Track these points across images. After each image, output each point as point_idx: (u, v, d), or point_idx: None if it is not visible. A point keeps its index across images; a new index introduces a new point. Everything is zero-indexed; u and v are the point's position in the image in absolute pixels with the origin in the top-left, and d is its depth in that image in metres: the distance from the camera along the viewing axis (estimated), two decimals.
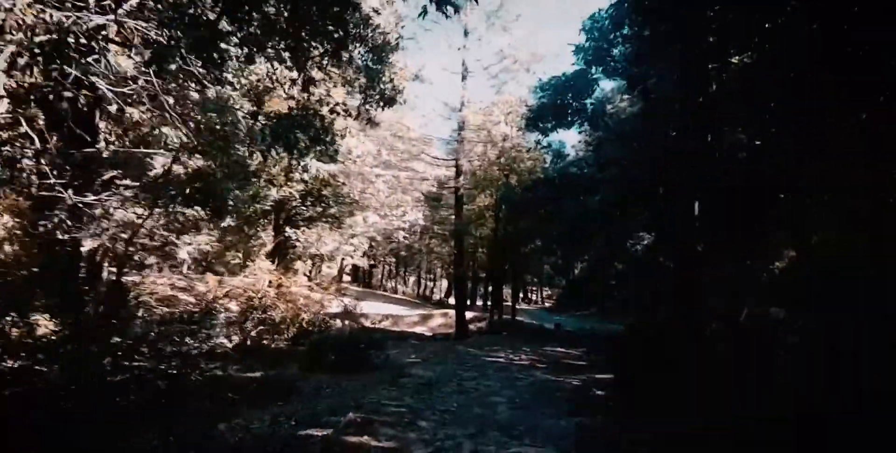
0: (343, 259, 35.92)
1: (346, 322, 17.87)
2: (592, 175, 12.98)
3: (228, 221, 13.00)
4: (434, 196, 25.54)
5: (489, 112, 20.26)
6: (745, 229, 10.36)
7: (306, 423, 5.79)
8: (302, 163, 10.54)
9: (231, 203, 11.10)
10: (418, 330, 27.58)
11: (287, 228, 18.23)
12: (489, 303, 48.96)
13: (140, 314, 9.21)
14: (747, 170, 10.38)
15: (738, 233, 10.15)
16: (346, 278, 52.92)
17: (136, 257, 12.43)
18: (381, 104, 10.68)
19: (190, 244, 13.98)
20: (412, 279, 65.61)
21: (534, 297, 61.59)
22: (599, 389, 9.03)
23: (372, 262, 40.66)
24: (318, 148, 10.43)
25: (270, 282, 14.04)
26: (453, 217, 21.87)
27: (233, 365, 9.13)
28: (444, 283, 63.59)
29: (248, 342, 13.29)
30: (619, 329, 26.54)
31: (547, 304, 56.52)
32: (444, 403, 7.18)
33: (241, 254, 16.49)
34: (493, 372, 10.13)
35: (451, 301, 47.66)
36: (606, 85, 14.25)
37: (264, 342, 13.35)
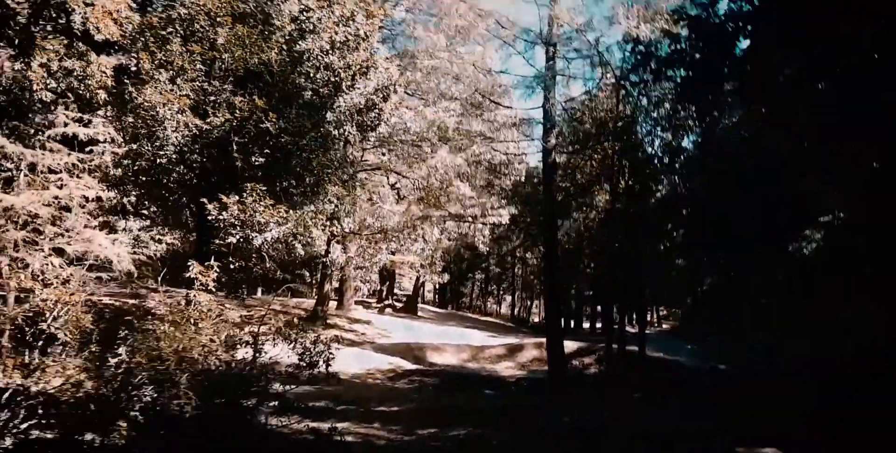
0: (418, 275, 28.80)
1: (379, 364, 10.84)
2: None
3: None
4: (519, 176, 17.99)
5: None
6: None
7: None
8: None
9: None
10: (502, 367, 19.82)
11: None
12: (598, 325, 39.43)
13: None
14: None
15: None
16: (429, 297, 46.19)
17: None
18: None
19: None
20: (509, 297, 57.19)
21: (648, 317, 51.19)
22: None
23: (448, 278, 33.09)
24: None
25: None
26: (540, 195, 13.91)
27: None
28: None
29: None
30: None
31: (664, 326, 46.00)
32: None
33: None
34: None
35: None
36: None
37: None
